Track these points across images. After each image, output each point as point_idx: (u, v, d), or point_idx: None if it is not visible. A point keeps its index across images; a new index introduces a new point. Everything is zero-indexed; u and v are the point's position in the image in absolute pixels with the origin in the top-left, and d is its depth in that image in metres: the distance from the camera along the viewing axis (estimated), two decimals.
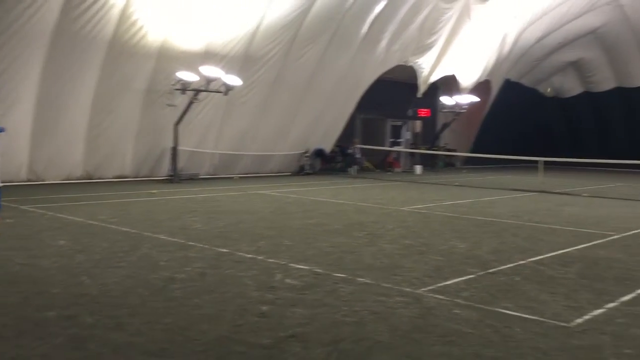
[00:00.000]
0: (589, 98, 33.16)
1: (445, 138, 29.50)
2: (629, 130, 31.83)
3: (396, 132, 27.77)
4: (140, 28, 15.64)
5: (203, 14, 16.41)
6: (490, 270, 7.00)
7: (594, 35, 29.65)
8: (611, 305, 5.65)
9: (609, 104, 32.16)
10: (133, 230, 9.22)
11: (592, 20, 28.29)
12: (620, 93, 31.56)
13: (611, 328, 4.98)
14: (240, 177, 19.97)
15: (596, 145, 32.05)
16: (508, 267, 7.20)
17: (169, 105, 17.26)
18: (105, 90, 16.01)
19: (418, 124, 29.18)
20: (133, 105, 16.80)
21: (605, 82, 31.95)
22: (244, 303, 5.49)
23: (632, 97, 31.09)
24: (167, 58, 16.60)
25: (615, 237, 9.66)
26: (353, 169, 22.95)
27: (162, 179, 18.03)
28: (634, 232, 10.23)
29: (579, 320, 5.15)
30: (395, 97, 27.10)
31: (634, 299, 5.90)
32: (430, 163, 27.68)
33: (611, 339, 4.71)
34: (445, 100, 26.65)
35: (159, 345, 4.42)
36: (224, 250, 7.89)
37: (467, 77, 27.24)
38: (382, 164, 26.02)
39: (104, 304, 5.40)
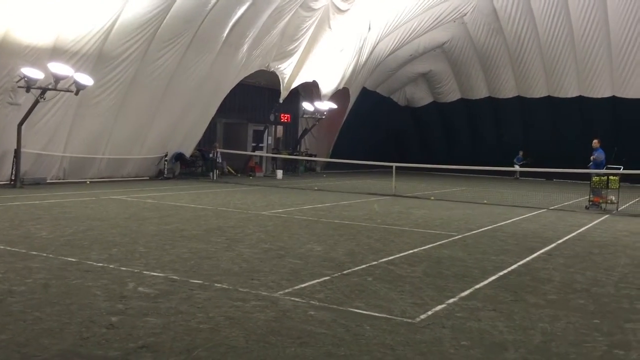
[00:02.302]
0: (437, 108, 35.64)
1: (306, 143, 30.17)
2: (471, 138, 34.67)
3: (258, 137, 27.86)
4: None
5: (51, 6, 15.29)
6: (345, 272, 7.25)
7: (441, 50, 31.96)
8: (451, 300, 6.10)
9: (454, 114, 34.82)
10: None
11: (439, 36, 30.49)
12: (464, 104, 34.30)
13: (451, 322, 5.37)
14: (93, 182, 18.89)
15: (444, 151, 34.53)
16: (361, 268, 7.51)
17: (11, 103, 15.90)
18: None
19: (280, 129, 29.55)
20: None
21: (451, 93, 34.54)
22: (92, 314, 5.20)
23: (473, 108, 33.92)
24: (8, 52, 15.25)
25: (457, 237, 10.46)
26: (214, 174, 22.66)
27: (3, 184, 16.55)
28: (473, 232, 11.14)
29: (423, 316, 5.51)
30: (257, 101, 27.23)
31: (471, 294, 6.42)
32: (291, 168, 28.14)
33: (451, 332, 5.08)
34: (306, 106, 27.27)
35: None
36: (71, 259, 7.41)
37: (327, 84, 28.06)
38: (244, 169, 25.98)
39: None
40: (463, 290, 6.52)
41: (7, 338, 4.56)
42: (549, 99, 30.95)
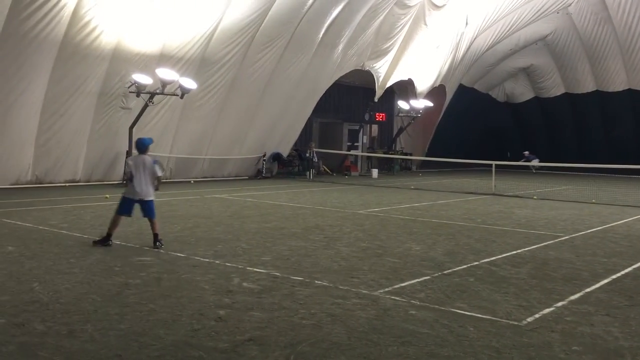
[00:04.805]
0: (539, 103, 34.13)
1: (401, 142, 29.90)
2: (577, 135, 32.91)
3: (353, 136, 27.96)
4: (93, 29, 15.29)
5: (159, 16, 16.18)
6: (445, 272, 7.13)
7: (543, 43, 30.59)
8: (560, 304, 5.83)
9: (558, 110, 33.17)
10: (85, 236, 9.01)
11: (541, 28, 29.20)
12: (569, 99, 32.60)
13: (560, 326, 5.14)
14: (196, 181, 19.75)
15: (546, 149, 33.02)
16: (462, 268, 7.35)
17: (123, 108, 16.95)
18: (56, 93, 15.58)
19: (375, 128, 29.49)
20: (85, 108, 16.41)
21: (554, 88, 32.95)
22: (201, 307, 5.44)
23: (579, 103, 32.17)
24: (121, 60, 16.29)
25: (564, 238, 9.98)
26: (310, 173, 23.00)
27: (116, 184, 17.66)
28: (581, 233, 10.59)
29: (530, 319, 5.30)
30: (352, 101, 27.33)
31: (581, 297, 6.11)
32: (386, 167, 28.00)
33: (560, 337, 4.86)
34: (402, 104, 27.02)
35: (114, 352, 4.34)
36: (180, 254, 7.80)
37: (423, 82, 27.67)
38: (340, 168, 26.15)
39: (56, 310, 5.27)
40: (573, 294, 6.21)
41: (126, 327, 4.87)
42: None
